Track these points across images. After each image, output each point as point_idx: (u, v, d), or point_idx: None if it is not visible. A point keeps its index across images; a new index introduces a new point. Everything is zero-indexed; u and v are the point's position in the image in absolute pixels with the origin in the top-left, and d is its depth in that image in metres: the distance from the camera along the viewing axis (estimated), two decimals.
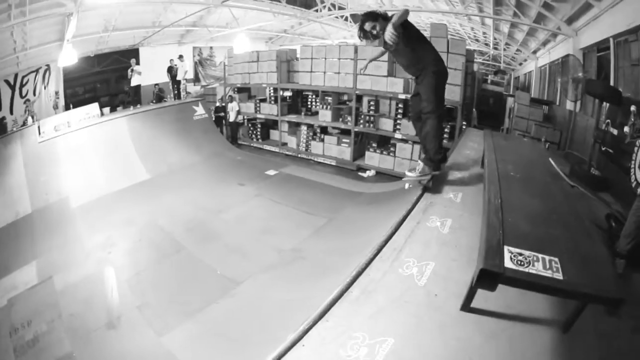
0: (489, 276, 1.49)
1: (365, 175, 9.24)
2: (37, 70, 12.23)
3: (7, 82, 11.71)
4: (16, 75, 11.84)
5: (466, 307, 1.78)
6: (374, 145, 9.32)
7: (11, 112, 11.80)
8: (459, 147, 5.12)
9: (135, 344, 4.46)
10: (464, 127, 7.86)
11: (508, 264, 1.52)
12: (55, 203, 8.45)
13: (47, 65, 12.37)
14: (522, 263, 1.53)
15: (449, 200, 3.07)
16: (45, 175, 9.02)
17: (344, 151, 9.99)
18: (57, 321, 5.40)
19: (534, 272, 1.50)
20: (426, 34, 8.26)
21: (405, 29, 3.36)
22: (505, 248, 1.61)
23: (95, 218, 7.43)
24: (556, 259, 1.57)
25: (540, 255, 1.59)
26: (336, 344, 1.70)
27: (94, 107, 10.91)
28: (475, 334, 1.70)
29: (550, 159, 3.52)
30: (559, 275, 1.50)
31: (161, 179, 9.14)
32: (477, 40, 12.84)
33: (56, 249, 6.75)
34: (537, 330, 1.72)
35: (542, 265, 1.54)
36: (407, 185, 3.75)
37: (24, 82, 12.06)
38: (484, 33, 11.81)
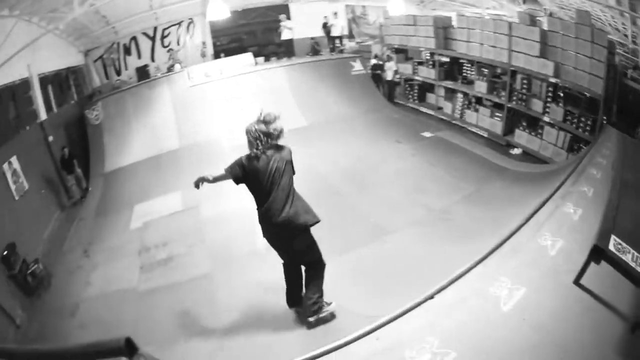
0: (598, 252, 2.36)
1: (512, 152, 9.70)
2: (179, 24, 14.02)
3: (145, 34, 13.70)
4: (155, 28, 13.75)
5: (577, 281, 2.51)
6: (524, 124, 9.68)
7: (152, 60, 13.89)
8: (597, 146, 5.74)
9: (278, 273, 4.36)
10: (604, 122, 7.96)
11: (611, 247, 2.40)
12: (205, 142, 9.14)
13: (190, 19, 14.05)
14: (620, 250, 2.40)
15: (583, 193, 3.80)
16: (195, 116, 9.80)
17: (496, 124, 10.42)
18: (198, 245, 5.98)
19: (623, 258, 2.35)
20: (570, 14, 7.89)
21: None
22: (612, 237, 2.46)
23: None
24: None
25: (632, 250, 2.43)
26: (488, 282, 2.65)
27: (248, 56, 11.95)
28: (577, 303, 2.37)
29: None
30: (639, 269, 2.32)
31: (319, 127, 9.78)
32: (617, 30, 12.11)
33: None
34: (618, 321, 2.28)
35: (631, 258, 2.37)
36: None
37: (165, 34, 14.00)
38: (623, 24, 11.18)
